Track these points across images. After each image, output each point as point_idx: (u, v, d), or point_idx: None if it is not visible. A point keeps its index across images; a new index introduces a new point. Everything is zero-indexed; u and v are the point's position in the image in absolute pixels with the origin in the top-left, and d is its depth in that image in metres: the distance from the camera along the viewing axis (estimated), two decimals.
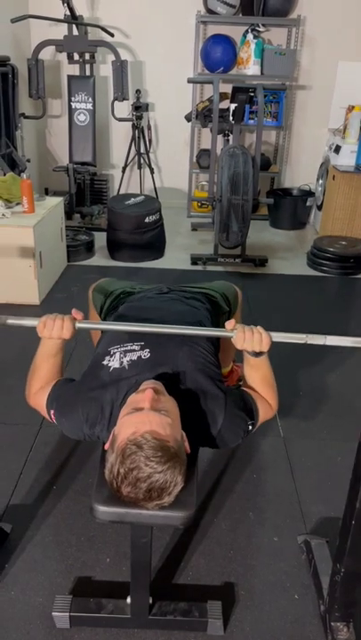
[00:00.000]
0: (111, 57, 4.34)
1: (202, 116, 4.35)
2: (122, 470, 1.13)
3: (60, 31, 4.35)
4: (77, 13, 4.29)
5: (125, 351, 1.44)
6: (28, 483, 1.93)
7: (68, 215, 4.38)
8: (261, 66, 4.59)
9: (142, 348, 1.43)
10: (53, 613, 1.45)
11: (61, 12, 4.20)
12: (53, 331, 1.38)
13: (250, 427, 1.39)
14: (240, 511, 1.85)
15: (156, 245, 4.15)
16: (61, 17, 4.24)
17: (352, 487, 1.28)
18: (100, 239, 4.16)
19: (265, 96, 4.41)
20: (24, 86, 4.33)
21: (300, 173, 5.17)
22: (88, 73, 4.54)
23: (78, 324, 1.41)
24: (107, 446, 1.24)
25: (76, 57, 4.45)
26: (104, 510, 1.22)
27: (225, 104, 3.96)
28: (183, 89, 4.62)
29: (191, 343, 1.48)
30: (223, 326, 1.81)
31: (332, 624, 1.43)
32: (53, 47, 4.44)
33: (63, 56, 4.59)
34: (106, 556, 1.66)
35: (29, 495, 1.88)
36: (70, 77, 4.47)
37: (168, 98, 4.90)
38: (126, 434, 1.15)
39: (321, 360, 2.76)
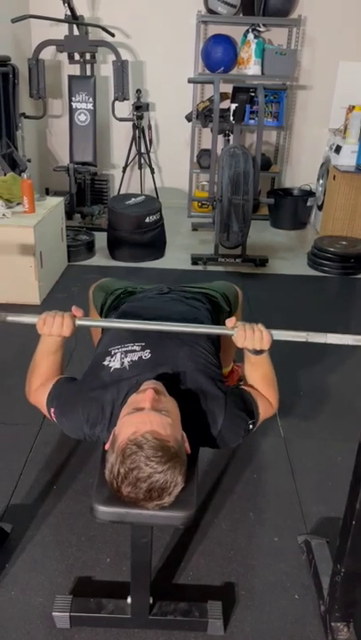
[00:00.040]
0: (112, 57, 4.34)
1: (202, 115, 4.35)
2: (122, 470, 1.13)
3: (61, 31, 4.35)
4: (78, 13, 4.29)
5: (126, 351, 1.44)
6: (28, 483, 1.93)
7: (69, 215, 4.38)
8: (262, 66, 4.59)
9: (143, 349, 1.43)
10: (54, 613, 1.45)
11: (62, 11, 4.21)
12: (53, 328, 1.38)
13: (250, 426, 1.39)
14: (240, 511, 1.84)
15: (156, 245, 4.15)
16: (62, 17, 4.24)
17: (352, 487, 1.28)
18: (101, 239, 4.16)
19: (265, 96, 4.41)
20: (25, 86, 4.33)
21: (300, 173, 5.17)
22: (89, 73, 4.54)
23: (78, 322, 1.40)
24: (107, 446, 1.23)
25: (77, 57, 4.45)
26: (104, 510, 1.22)
27: (225, 104, 3.96)
28: (184, 89, 4.62)
29: (192, 343, 1.48)
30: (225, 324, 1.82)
31: (333, 624, 1.43)
32: (54, 47, 4.44)
33: (64, 56, 4.59)
34: (106, 556, 1.66)
35: (30, 495, 1.88)
36: (71, 77, 4.47)
37: (169, 98, 4.90)
38: (127, 434, 1.15)
39: (322, 360, 2.75)
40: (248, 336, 1.35)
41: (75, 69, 4.60)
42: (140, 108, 4.69)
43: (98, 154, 4.61)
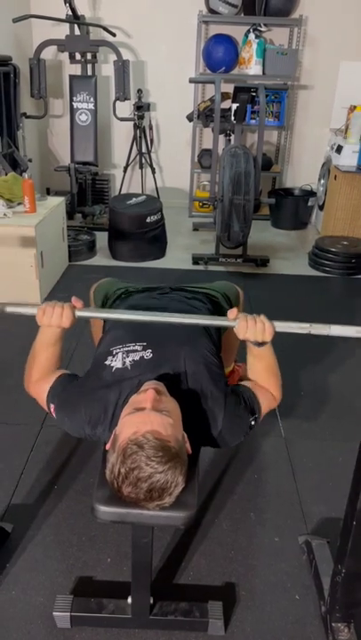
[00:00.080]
0: (113, 57, 4.34)
1: (203, 115, 4.34)
2: (123, 470, 1.13)
3: (62, 31, 4.35)
4: (79, 13, 4.29)
5: (128, 351, 1.44)
6: (29, 482, 1.93)
7: (70, 215, 4.39)
8: (263, 66, 4.59)
9: (145, 349, 1.43)
10: (54, 613, 1.45)
11: (63, 11, 4.21)
12: (53, 318, 1.37)
13: (252, 422, 1.39)
14: (241, 511, 1.84)
15: (157, 245, 4.15)
16: (63, 17, 4.24)
17: (353, 488, 1.28)
18: (102, 239, 4.16)
19: (267, 96, 4.41)
20: (26, 86, 4.33)
21: (301, 173, 5.17)
22: (90, 73, 4.54)
23: (78, 313, 1.38)
24: (108, 446, 1.23)
25: (78, 57, 4.45)
26: (105, 510, 1.22)
27: (227, 104, 3.96)
28: (185, 89, 4.62)
29: (193, 343, 1.48)
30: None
31: (333, 625, 1.43)
32: (55, 47, 4.44)
33: (65, 56, 4.59)
34: (107, 556, 1.66)
35: (30, 495, 1.88)
36: (72, 77, 4.47)
37: (170, 97, 4.91)
38: (127, 433, 1.15)
39: (322, 360, 2.75)
40: (250, 327, 1.34)
41: (76, 69, 4.60)
42: (142, 107, 4.69)
43: (99, 154, 4.61)
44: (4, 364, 2.51)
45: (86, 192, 4.70)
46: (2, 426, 2.21)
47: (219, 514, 1.83)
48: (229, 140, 4.21)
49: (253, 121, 4.76)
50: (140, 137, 4.73)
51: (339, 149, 4.30)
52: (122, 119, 4.58)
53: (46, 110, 4.57)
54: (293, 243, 4.62)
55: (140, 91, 4.75)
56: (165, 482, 1.12)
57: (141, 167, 4.86)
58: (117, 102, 4.46)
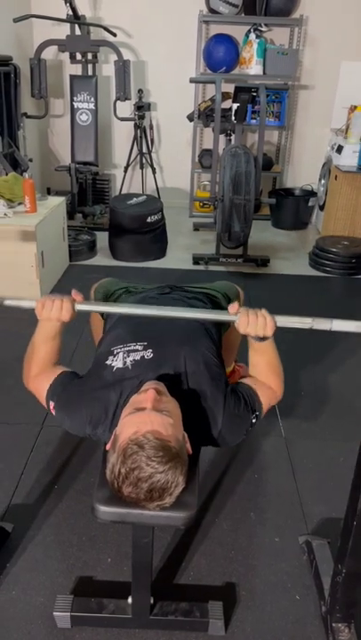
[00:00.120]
0: (113, 57, 4.34)
1: (204, 115, 4.34)
2: (123, 470, 1.12)
3: (63, 31, 4.35)
4: (80, 13, 4.29)
5: (129, 351, 1.44)
6: (29, 482, 1.93)
7: (70, 215, 4.39)
8: (264, 65, 4.59)
9: (145, 348, 1.43)
10: (54, 613, 1.45)
11: (64, 11, 4.20)
12: (52, 312, 1.35)
13: (254, 420, 1.38)
14: (241, 511, 1.84)
15: (157, 245, 4.15)
16: (64, 17, 4.24)
17: (354, 488, 1.28)
18: (102, 239, 4.16)
19: (267, 96, 4.40)
20: (26, 86, 4.33)
21: (302, 173, 5.17)
22: (90, 73, 4.54)
23: (78, 306, 1.37)
24: (108, 446, 1.23)
25: (79, 57, 4.45)
26: (105, 510, 1.22)
27: (227, 104, 3.96)
28: (185, 89, 4.62)
29: (193, 343, 1.48)
30: (225, 326, 1.82)
31: (334, 625, 1.43)
32: (56, 47, 4.44)
33: (65, 56, 4.59)
34: (107, 556, 1.66)
35: (31, 495, 1.88)
36: (72, 77, 4.47)
37: (170, 97, 4.90)
38: (128, 433, 1.15)
39: (322, 360, 2.75)
40: (251, 322, 1.33)
41: (76, 69, 4.60)
42: (142, 107, 4.69)
43: (99, 153, 4.61)
44: (4, 364, 2.51)
45: (87, 192, 4.70)
46: (2, 426, 2.21)
47: (219, 514, 1.83)
48: (230, 140, 4.21)
49: (254, 121, 4.76)
50: (141, 137, 4.73)
51: (339, 149, 4.30)
52: (122, 119, 4.58)
53: (47, 110, 4.57)
54: (294, 243, 4.62)
55: (140, 91, 4.75)
56: (166, 482, 1.12)
57: (142, 167, 4.86)
58: (118, 102, 4.46)
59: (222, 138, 4.22)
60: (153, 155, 4.96)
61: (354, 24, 4.60)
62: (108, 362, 1.43)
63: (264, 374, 1.47)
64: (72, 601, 1.46)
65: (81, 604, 1.47)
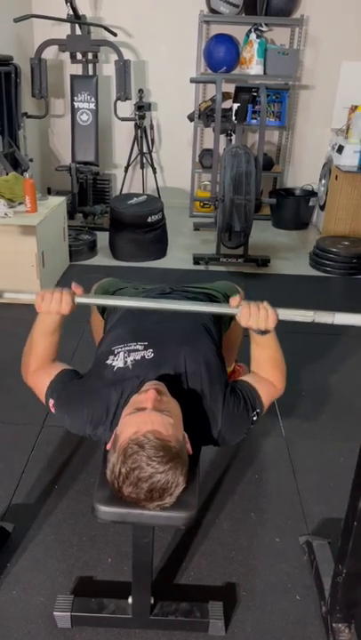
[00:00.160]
0: (114, 56, 4.34)
1: (204, 115, 4.34)
2: (123, 470, 1.12)
3: (63, 31, 4.35)
4: (80, 13, 4.29)
5: (129, 351, 1.44)
6: (29, 482, 1.93)
7: (71, 215, 4.38)
8: (264, 65, 4.59)
9: (146, 348, 1.43)
10: (55, 613, 1.45)
11: (64, 11, 4.21)
12: (52, 305, 1.35)
13: (254, 417, 1.38)
14: (242, 512, 1.84)
15: (158, 245, 4.15)
16: (64, 16, 4.24)
17: (354, 488, 1.28)
18: (103, 239, 4.16)
19: (268, 96, 4.41)
20: (27, 86, 4.34)
21: (302, 173, 5.16)
22: (91, 72, 4.54)
23: (78, 299, 1.37)
24: (108, 446, 1.23)
25: (79, 56, 4.46)
26: (106, 510, 1.22)
27: (228, 104, 3.96)
28: (186, 88, 4.62)
29: (193, 343, 1.48)
30: (226, 326, 1.82)
31: (334, 625, 1.43)
32: (56, 47, 4.44)
33: (66, 55, 4.59)
34: (107, 556, 1.66)
35: (31, 495, 1.88)
36: (73, 77, 4.47)
37: (171, 97, 4.90)
38: (128, 433, 1.15)
39: (323, 360, 2.75)
40: (253, 314, 1.32)
41: (77, 69, 4.60)
42: (143, 107, 4.69)
43: (100, 153, 4.61)
44: (4, 364, 2.51)
45: (87, 192, 4.70)
46: (3, 425, 2.21)
47: (219, 514, 1.83)
48: (230, 140, 4.21)
49: (254, 121, 4.76)
50: (141, 137, 4.73)
51: (340, 149, 4.30)
52: (123, 119, 4.58)
53: (47, 110, 4.57)
54: (294, 243, 4.62)
55: (141, 90, 4.75)
56: (166, 482, 1.12)
57: (142, 167, 4.86)
58: (118, 102, 4.46)
59: (223, 138, 4.23)
60: (153, 155, 4.96)
61: (354, 24, 4.60)
62: (109, 361, 1.43)
63: (266, 368, 1.46)
64: (72, 601, 1.46)
65: (81, 604, 1.47)
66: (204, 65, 4.72)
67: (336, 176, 4.30)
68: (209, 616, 1.44)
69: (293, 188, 5.12)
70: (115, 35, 4.41)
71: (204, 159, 4.89)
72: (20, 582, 1.57)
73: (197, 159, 5.01)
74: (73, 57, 4.47)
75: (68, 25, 4.33)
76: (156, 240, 4.11)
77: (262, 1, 4.36)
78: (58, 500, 1.85)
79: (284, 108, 4.83)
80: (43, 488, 1.91)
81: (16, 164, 4.01)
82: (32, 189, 3.24)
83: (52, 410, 1.40)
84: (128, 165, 4.86)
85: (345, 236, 4.25)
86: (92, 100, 4.41)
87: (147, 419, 1.16)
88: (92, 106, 4.43)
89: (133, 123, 4.70)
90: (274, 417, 2.30)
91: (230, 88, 3.82)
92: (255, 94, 3.66)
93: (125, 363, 1.41)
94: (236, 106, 3.71)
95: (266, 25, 4.57)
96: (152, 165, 4.88)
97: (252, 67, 4.57)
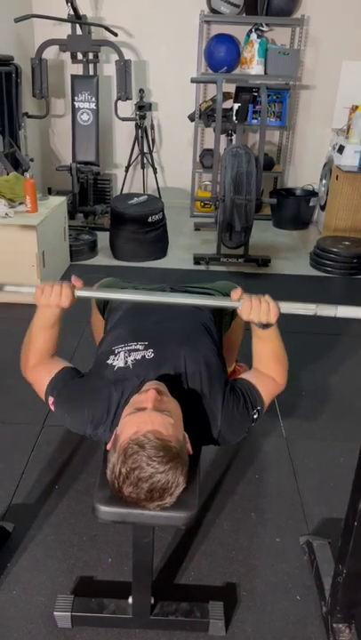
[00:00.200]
0: (115, 56, 4.34)
1: (205, 115, 4.35)
2: (123, 470, 1.12)
3: (64, 30, 4.35)
4: (81, 13, 4.29)
5: (130, 350, 1.44)
6: (30, 482, 1.93)
7: (71, 215, 4.39)
8: (265, 65, 4.59)
9: (146, 348, 1.43)
10: (55, 613, 1.45)
11: (65, 11, 4.21)
12: (51, 298, 1.34)
13: (255, 416, 1.38)
14: (242, 512, 1.84)
15: (158, 245, 4.15)
16: (65, 16, 4.25)
17: (355, 488, 1.28)
18: (103, 239, 4.16)
19: (268, 96, 4.41)
20: (27, 86, 4.34)
21: (303, 173, 5.16)
22: (91, 72, 4.54)
23: (78, 292, 1.36)
24: (109, 446, 1.23)
25: (80, 56, 4.46)
26: (106, 510, 1.22)
27: (228, 104, 3.96)
28: (186, 88, 4.63)
29: (194, 343, 1.48)
30: (226, 326, 1.82)
31: (334, 625, 1.43)
32: (57, 47, 4.44)
33: (67, 55, 4.59)
34: (108, 556, 1.66)
35: (31, 494, 1.88)
36: (74, 77, 4.47)
37: (171, 97, 4.90)
38: (128, 433, 1.15)
39: (323, 360, 2.75)
40: (254, 308, 1.31)
41: (77, 69, 4.60)
42: (143, 107, 4.69)
43: (100, 153, 4.61)
44: (4, 364, 2.51)
45: (88, 192, 4.70)
46: (3, 425, 2.21)
47: (220, 514, 1.83)
48: (231, 140, 4.21)
49: (255, 121, 4.76)
50: (142, 137, 4.73)
51: (340, 149, 4.30)
52: (123, 119, 4.58)
53: (48, 110, 4.57)
54: (295, 243, 4.62)
55: (141, 90, 4.75)
56: (166, 482, 1.12)
57: (143, 167, 4.86)
58: (119, 102, 4.47)
59: (223, 138, 4.22)
60: (154, 154, 4.96)
61: (355, 24, 4.59)
62: (110, 361, 1.43)
63: (268, 362, 1.45)
64: (73, 601, 1.46)
65: (81, 604, 1.47)
66: (205, 65, 4.72)
67: (337, 176, 4.30)
68: (209, 616, 1.44)
69: (294, 187, 5.12)
70: (115, 35, 4.41)
71: (205, 159, 4.89)
72: (21, 582, 1.57)
73: (198, 159, 5.01)
74: (73, 57, 4.47)
75: (69, 25, 4.33)
76: (157, 240, 4.11)
77: (263, 1, 4.36)
78: (58, 500, 1.85)
79: (285, 108, 4.83)
80: (43, 488, 1.91)
81: (17, 164, 4.01)
82: (33, 189, 3.24)
83: (52, 407, 1.40)
84: (129, 165, 4.86)
85: (346, 236, 4.24)
86: (93, 99, 4.41)
87: (147, 419, 1.16)
88: (93, 106, 4.43)
89: (134, 123, 4.70)
90: (274, 417, 2.30)
91: (231, 88, 3.82)
92: (256, 94, 3.66)
93: (126, 362, 1.41)
94: (236, 106, 3.71)
95: (266, 25, 4.57)
96: (153, 165, 4.88)
97: (253, 67, 4.57)
